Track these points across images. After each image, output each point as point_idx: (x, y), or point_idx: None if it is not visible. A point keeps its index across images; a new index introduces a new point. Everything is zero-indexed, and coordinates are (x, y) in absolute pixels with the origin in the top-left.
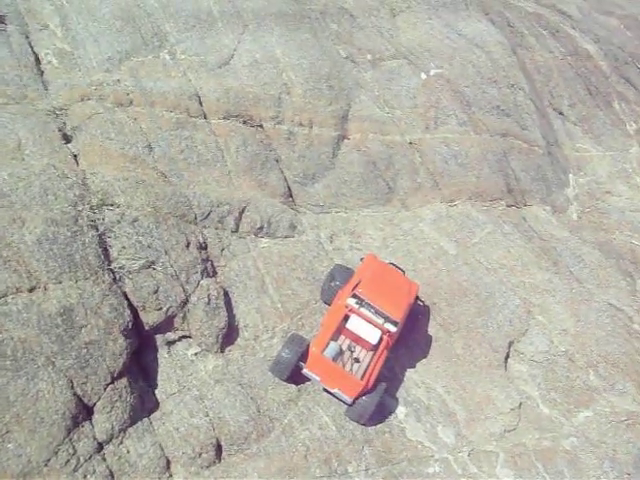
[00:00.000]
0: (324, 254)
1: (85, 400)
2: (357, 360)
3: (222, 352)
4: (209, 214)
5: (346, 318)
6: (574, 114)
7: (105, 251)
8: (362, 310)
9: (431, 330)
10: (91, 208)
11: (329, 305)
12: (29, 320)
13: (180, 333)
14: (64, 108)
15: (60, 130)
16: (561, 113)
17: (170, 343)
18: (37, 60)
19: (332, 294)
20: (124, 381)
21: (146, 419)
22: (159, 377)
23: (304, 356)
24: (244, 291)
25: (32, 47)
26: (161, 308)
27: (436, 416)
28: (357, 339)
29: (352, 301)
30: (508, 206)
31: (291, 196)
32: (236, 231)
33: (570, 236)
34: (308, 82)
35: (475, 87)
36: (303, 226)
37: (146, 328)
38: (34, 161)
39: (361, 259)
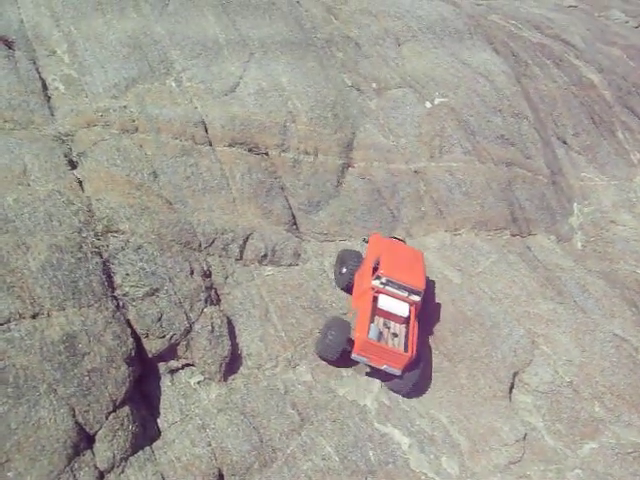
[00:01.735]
0: (328, 282)
1: (87, 428)
2: (395, 335)
3: (225, 381)
4: (213, 241)
5: (375, 299)
6: (578, 143)
7: (109, 278)
8: (387, 289)
9: (435, 360)
10: (96, 235)
11: (343, 290)
12: (32, 347)
13: (183, 361)
14: (70, 134)
15: (66, 156)
16: (565, 142)
17: (173, 371)
18: (44, 86)
19: (346, 280)
20: (126, 409)
21: (148, 448)
22: (161, 405)
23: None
24: (248, 319)
25: (39, 73)
26: (164, 336)
27: (440, 447)
28: (389, 315)
29: (377, 282)
30: (512, 235)
31: (295, 224)
32: (240, 259)
33: (575, 265)
34: (313, 110)
35: (480, 116)
36: (307, 254)
37: (149, 356)
38: (39, 187)
39: (364, 240)
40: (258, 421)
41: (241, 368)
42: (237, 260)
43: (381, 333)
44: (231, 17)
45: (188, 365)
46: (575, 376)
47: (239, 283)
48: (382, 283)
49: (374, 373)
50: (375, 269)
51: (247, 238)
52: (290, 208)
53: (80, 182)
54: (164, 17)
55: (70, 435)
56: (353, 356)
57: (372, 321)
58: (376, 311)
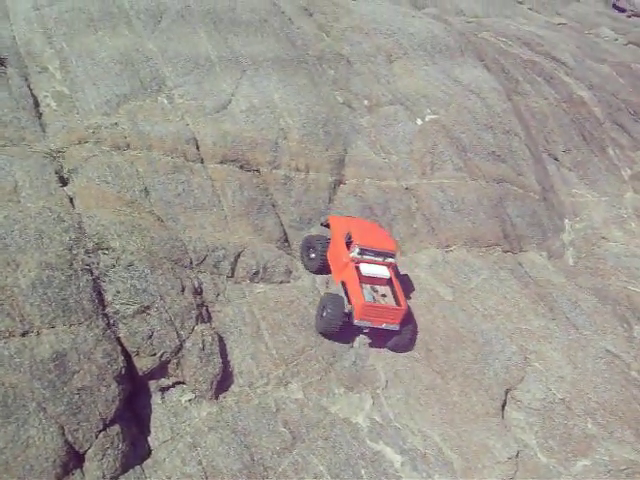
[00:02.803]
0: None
1: (76, 447)
2: (384, 295)
3: (216, 399)
4: (205, 259)
5: (357, 269)
6: (569, 160)
7: (99, 295)
8: (365, 257)
9: (427, 377)
10: (86, 252)
11: (315, 273)
12: (21, 365)
13: (174, 379)
14: (61, 151)
15: (57, 173)
16: (556, 159)
17: (164, 389)
18: (36, 102)
19: (317, 263)
20: (116, 428)
21: (138, 467)
22: (152, 424)
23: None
24: (239, 337)
25: (31, 89)
26: (155, 354)
27: (433, 465)
28: (373, 280)
29: (355, 254)
30: (504, 252)
31: (287, 241)
32: (232, 276)
33: (566, 282)
34: (305, 127)
35: (471, 133)
36: (299, 271)
37: (139, 374)
38: (30, 204)
39: (322, 224)
40: (249, 439)
41: (232, 386)
42: (228, 277)
43: (373, 296)
44: (223, 34)
45: (179, 383)
46: (567, 393)
47: (230, 300)
48: (359, 253)
49: (376, 341)
50: (349, 243)
51: (238, 255)
52: (282, 225)
53: (71, 199)
54: (156, 34)
55: (59, 454)
56: (356, 322)
57: (362, 288)
58: (361, 279)
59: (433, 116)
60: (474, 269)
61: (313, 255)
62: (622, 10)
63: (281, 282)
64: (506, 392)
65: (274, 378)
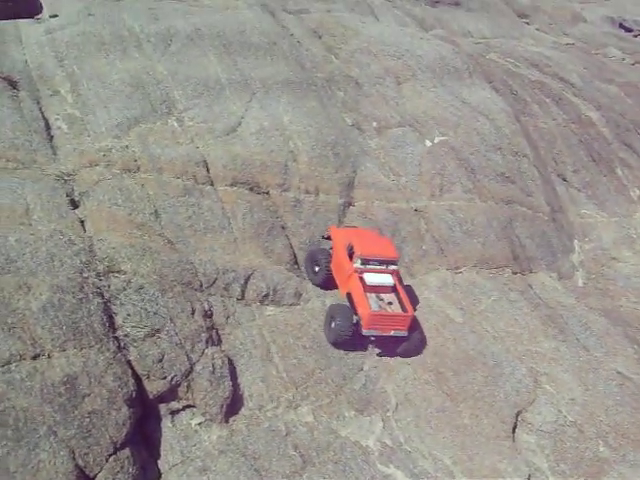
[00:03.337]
0: None
1: (86, 471)
2: (390, 303)
3: (226, 422)
4: (215, 281)
5: (361, 279)
6: (578, 180)
7: (110, 318)
8: (369, 267)
9: (438, 399)
10: (97, 275)
11: (319, 286)
12: (32, 388)
13: (184, 402)
14: (72, 173)
15: (68, 195)
16: (565, 179)
17: (174, 412)
18: (47, 125)
19: (321, 277)
20: (127, 452)
21: None
22: (162, 447)
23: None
24: (249, 360)
25: (43, 112)
26: (165, 377)
27: None
28: (378, 289)
29: (358, 264)
30: (514, 273)
31: (297, 263)
32: (242, 299)
33: (576, 303)
34: (314, 149)
35: (479, 154)
36: (309, 294)
37: (150, 397)
38: (41, 226)
39: (324, 237)
40: (259, 463)
41: (242, 409)
42: (238, 300)
43: (379, 305)
44: (233, 57)
45: (189, 406)
46: (579, 415)
47: (240, 323)
48: (362, 263)
49: (385, 349)
50: (351, 254)
51: (248, 278)
52: (291, 247)
53: (82, 222)
54: (166, 57)
55: (70, 478)
56: (364, 332)
57: (367, 297)
58: (366, 289)
59: (442, 138)
60: (484, 291)
61: (317, 268)
62: (629, 30)
63: (291, 304)
64: (517, 415)
65: (284, 401)
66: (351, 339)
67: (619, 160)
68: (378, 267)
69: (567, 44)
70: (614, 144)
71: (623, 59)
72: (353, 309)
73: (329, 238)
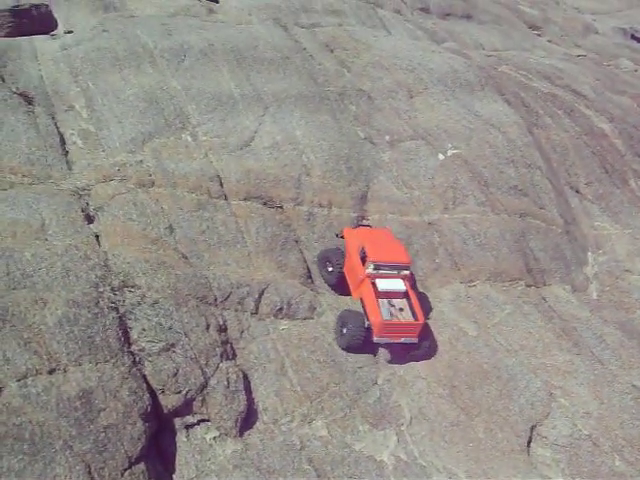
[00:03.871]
0: None
1: None
2: (401, 309)
3: (241, 436)
4: (229, 296)
5: (373, 285)
6: (591, 192)
7: (125, 333)
8: (381, 272)
9: (452, 413)
10: (112, 290)
11: (332, 287)
12: (48, 403)
13: (199, 417)
14: (87, 188)
15: (83, 210)
16: (578, 191)
17: (189, 427)
18: (62, 140)
19: (334, 277)
20: (142, 466)
21: None
22: (177, 461)
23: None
24: (263, 374)
25: (58, 128)
26: (180, 391)
27: None
28: (390, 295)
29: (370, 269)
30: (527, 286)
31: (310, 277)
32: (256, 313)
33: (591, 316)
34: (327, 163)
35: (492, 167)
36: (322, 307)
37: (165, 411)
38: (57, 241)
39: (337, 235)
40: (274, 477)
41: (257, 423)
42: (253, 314)
43: (390, 312)
44: (246, 72)
45: (204, 420)
46: (594, 429)
47: (255, 337)
48: (374, 269)
49: (396, 353)
50: (364, 259)
51: (262, 292)
52: (305, 261)
53: (97, 237)
54: (180, 72)
55: None
56: (375, 339)
57: (379, 304)
58: (378, 294)
59: (454, 151)
60: (497, 304)
61: (331, 269)
62: None
63: (305, 318)
64: (531, 428)
65: (298, 415)
66: (363, 344)
67: (632, 172)
68: (390, 272)
69: (579, 56)
70: (627, 156)
71: (635, 70)
72: (365, 314)
73: (343, 237)
